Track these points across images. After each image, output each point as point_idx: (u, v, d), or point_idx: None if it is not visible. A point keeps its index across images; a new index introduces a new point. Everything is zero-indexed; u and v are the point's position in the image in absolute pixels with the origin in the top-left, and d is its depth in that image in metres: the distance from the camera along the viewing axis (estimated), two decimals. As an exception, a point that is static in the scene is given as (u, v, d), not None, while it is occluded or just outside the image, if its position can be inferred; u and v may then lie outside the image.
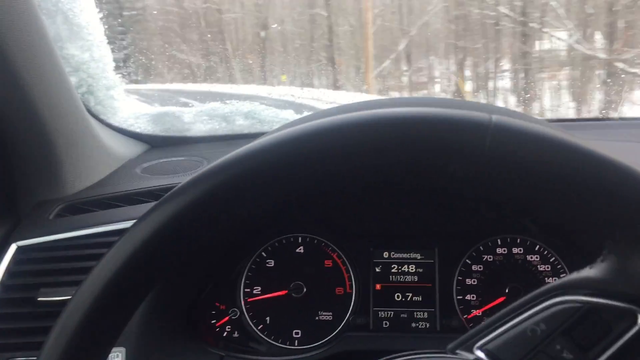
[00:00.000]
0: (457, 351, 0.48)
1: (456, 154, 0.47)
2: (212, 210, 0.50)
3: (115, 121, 1.31)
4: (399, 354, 0.51)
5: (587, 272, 0.47)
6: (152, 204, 1.03)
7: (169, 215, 0.50)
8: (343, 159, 0.49)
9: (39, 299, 0.86)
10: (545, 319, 0.47)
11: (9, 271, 0.90)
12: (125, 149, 1.29)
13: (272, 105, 1.46)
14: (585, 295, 0.46)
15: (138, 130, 1.37)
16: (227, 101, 1.43)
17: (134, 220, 0.90)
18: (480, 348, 0.48)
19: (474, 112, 0.48)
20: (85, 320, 0.48)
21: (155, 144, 1.40)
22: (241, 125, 1.41)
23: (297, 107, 1.57)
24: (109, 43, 1.19)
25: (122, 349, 0.81)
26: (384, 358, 0.51)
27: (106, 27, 1.17)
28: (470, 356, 0.48)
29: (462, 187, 0.52)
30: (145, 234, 0.49)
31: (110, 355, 0.71)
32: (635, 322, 0.45)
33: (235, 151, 0.52)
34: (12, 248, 0.93)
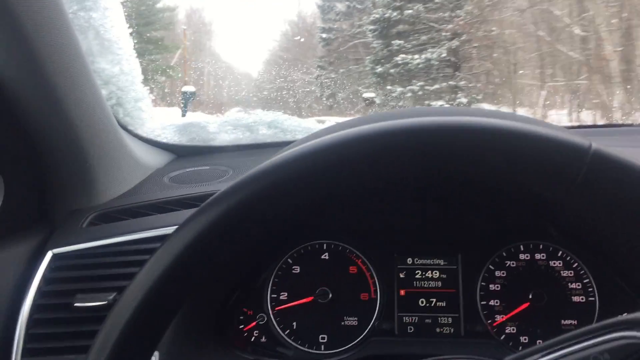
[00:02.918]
0: None
1: (549, 176, 0.51)
2: (250, 216, 0.53)
3: (143, 132, 1.35)
4: (456, 357, 0.52)
5: None
6: (181, 212, 1.07)
7: (208, 222, 0.52)
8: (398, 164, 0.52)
9: (75, 304, 0.89)
10: (611, 351, 0.47)
11: (45, 278, 0.94)
12: (153, 159, 1.32)
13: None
14: None
15: (165, 140, 1.40)
16: (251, 111, 1.46)
17: (165, 228, 0.94)
18: None
19: (575, 137, 0.51)
20: (131, 324, 0.51)
21: (181, 153, 1.44)
22: (264, 134, 1.44)
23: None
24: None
25: (156, 353, 0.84)
26: (440, 358, 0.52)
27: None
28: None
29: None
30: (186, 240, 0.52)
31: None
32: None
33: (270, 160, 0.54)
34: (48, 255, 0.96)
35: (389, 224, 1.01)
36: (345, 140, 0.54)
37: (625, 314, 0.49)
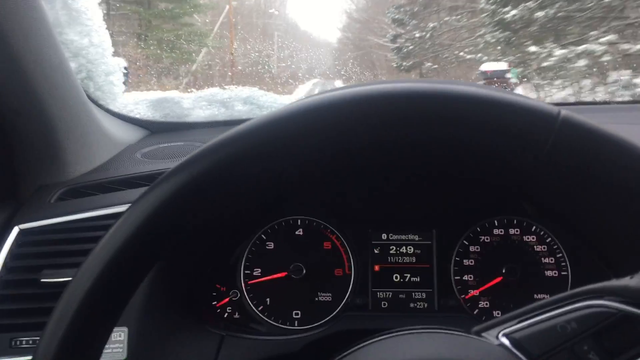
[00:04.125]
0: (483, 334, 0.49)
1: (518, 143, 0.50)
2: (208, 188, 0.52)
3: (115, 107, 1.32)
4: (423, 327, 0.51)
5: (628, 282, 0.47)
6: None
7: (166, 194, 0.51)
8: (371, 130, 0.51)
9: (42, 280, 0.87)
10: (578, 319, 0.47)
11: (11, 253, 0.91)
12: (125, 135, 1.30)
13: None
14: (622, 303, 0.46)
15: (137, 116, 1.37)
16: (226, 87, 1.44)
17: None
18: (507, 335, 0.48)
19: (543, 104, 0.51)
20: (86, 300, 0.49)
21: (155, 129, 1.41)
22: (240, 110, 1.42)
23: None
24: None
25: (125, 329, 0.82)
26: (407, 328, 0.52)
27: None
28: (495, 341, 0.48)
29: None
30: (143, 214, 0.50)
31: (113, 334, 0.73)
32: None
33: (235, 128, 0.53)
34: (15, 231, 0.94)
35: (363, 199, 1.00)
36: (308, 108, 0.52)
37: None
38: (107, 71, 1.22)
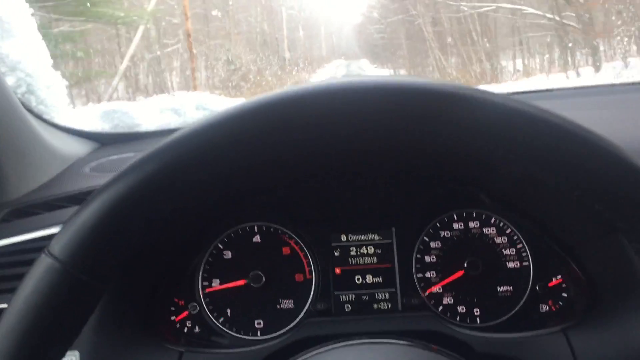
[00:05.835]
0: None
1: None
2: (156, 192, 0.50)
3: (61, 120, 1.26)
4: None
5: None
6: None
7: (115, 196, 0.51)
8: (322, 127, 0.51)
9: None
10: None
11: None
12: (73, 149, 1.25)
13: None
14: None
15: (86, 128, 1.32)
16: (176, 93, 1.40)
17: None
18: None
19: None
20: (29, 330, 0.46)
21: (105, 141, 1.36)
22: (192, 117, 1.38)
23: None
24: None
25: (76, 353, 0.78)
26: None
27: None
28: None
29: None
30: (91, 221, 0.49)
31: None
32: None
33: (180, 131, 0.52)
34: None
35: (320, 202, 0.98)
36: (261, 105, 0.51)
37: None
38: (48, 83, 1.17)
